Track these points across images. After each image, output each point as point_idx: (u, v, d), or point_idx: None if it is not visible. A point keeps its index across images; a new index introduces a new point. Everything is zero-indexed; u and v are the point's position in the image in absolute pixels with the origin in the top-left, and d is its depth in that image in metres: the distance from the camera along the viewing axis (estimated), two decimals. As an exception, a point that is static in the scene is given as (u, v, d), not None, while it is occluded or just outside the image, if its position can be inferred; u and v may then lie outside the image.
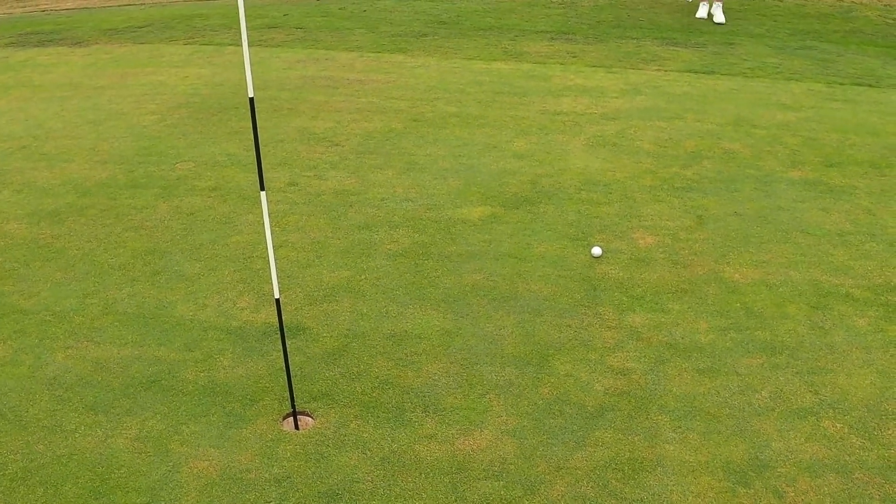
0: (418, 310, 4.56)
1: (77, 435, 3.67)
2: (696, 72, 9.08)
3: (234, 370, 4.08)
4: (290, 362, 3.79)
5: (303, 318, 4.49)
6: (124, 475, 3.43)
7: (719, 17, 10.89)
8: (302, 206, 5.75)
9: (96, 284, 4.85)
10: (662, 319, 4.47)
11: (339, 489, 3.39)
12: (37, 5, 17.83)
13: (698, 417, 3.74)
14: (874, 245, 5.23)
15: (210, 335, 4.36)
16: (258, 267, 4.99)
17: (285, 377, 3.74)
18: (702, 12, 11.30)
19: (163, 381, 4.00)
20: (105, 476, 3.43)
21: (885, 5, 13.25)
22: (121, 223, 5.57)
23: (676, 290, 4.72)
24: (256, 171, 3.57)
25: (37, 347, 4.29)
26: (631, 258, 5.04)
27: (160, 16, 13.07)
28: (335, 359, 4.16)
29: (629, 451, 3.55)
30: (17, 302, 4.71)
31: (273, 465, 3.48)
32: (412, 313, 4.53)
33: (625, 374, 4.03)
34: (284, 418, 3.76)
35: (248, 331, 4.40)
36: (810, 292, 4.72)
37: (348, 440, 3.62)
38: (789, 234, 5.34)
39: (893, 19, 12.87)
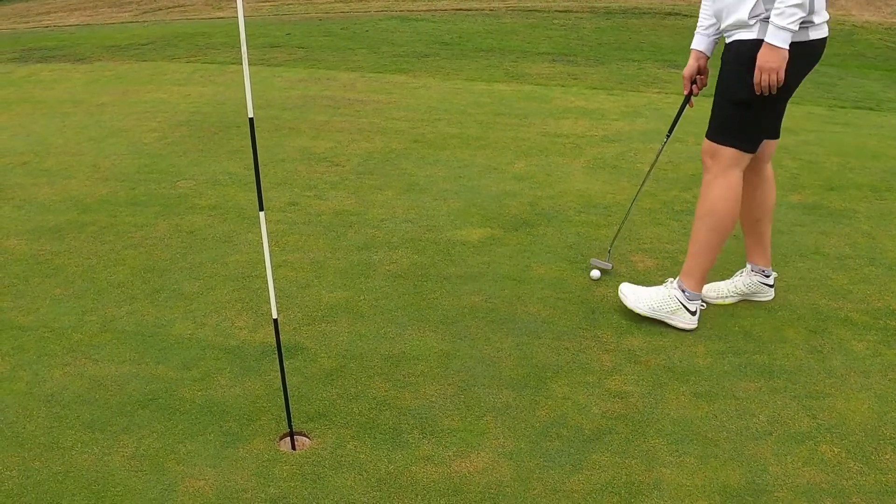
0: (416, 331, 4.56)
1: (74, 452, 3.66)
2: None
3: (232, 389, 4.08)
4: (287, 382, 3.79)
5: (301, 339, 4.49)
6: (120, 493, 3.42)
7: None
8: (301, 226, 5.76)
9: (95, 302, 4.86)
10: (661, 343, 4.46)
11: (334, 510, 3.38)
12: (40, 21, 17.91)
13: (695, 441, 3.74)
14: (873, 269, 5.23)
15: (208, 354, 4.36)
16: (257, 286, 5.00)
17: (282, 397, 3.74)
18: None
19: (160, 400, 4.00)
20: (101, 494, 3.42)
21: (886, 28, 13.31)
22: (121, 240, 5.58)
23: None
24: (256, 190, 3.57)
25: (35, 364, 4.29)
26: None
27: (163, 33, 13.14)
28: (333, 379, 4.15)
29: (626, 474, 3.54)
30: (15, 318, 4.71)
31: (269, 486, 3.47)
32: (410, 334, 4.53)
33: (622, 398, 4.02)
34: (281, 438, 3.75)
35: (246, 350, 4.40)
36: (809, 316, 4.72)
37: (345, 461, 3.61)
38: (788, 258, 5.34)
39: (894, 42, 12.92)
